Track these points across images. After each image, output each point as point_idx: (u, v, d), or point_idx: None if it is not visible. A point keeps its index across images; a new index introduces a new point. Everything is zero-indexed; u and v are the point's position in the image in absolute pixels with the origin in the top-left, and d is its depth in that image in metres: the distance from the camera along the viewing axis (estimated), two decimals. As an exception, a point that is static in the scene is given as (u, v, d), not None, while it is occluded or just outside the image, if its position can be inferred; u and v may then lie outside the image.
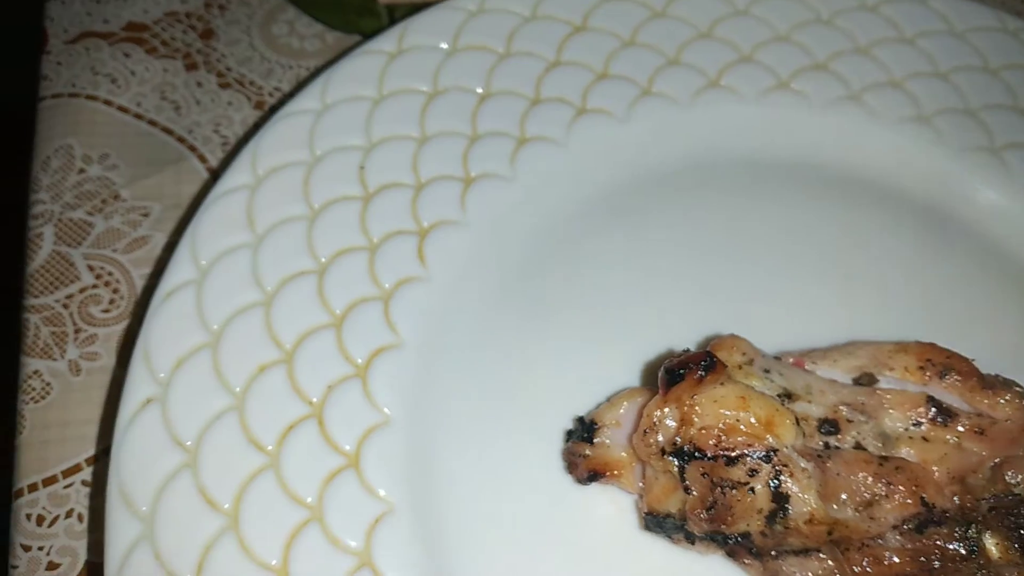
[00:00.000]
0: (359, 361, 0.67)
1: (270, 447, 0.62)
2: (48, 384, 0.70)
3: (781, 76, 0.86)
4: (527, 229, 0.76)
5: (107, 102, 0.84)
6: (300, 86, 0.80)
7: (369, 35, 0.87)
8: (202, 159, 0.82)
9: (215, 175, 0.80)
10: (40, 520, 0.65)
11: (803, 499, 0.55)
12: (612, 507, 0.65)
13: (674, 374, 0.57)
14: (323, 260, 0.70)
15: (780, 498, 0.55)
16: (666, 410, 0.57)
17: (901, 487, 0.56)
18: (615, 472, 0.63)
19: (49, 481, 0.67)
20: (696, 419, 0.56)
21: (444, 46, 0.81)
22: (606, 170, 0.80)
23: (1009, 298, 0.77)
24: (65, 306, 0.74)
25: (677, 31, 0.86)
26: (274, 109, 0.85)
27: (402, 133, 0.77)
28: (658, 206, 0.79)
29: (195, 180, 0.81)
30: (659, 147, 0.82)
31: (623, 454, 0.62)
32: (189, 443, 0.61)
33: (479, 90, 0.80)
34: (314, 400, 0.64)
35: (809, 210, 0.80)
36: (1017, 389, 0.60)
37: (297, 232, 0.71)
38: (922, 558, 0.55)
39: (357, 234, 0.72)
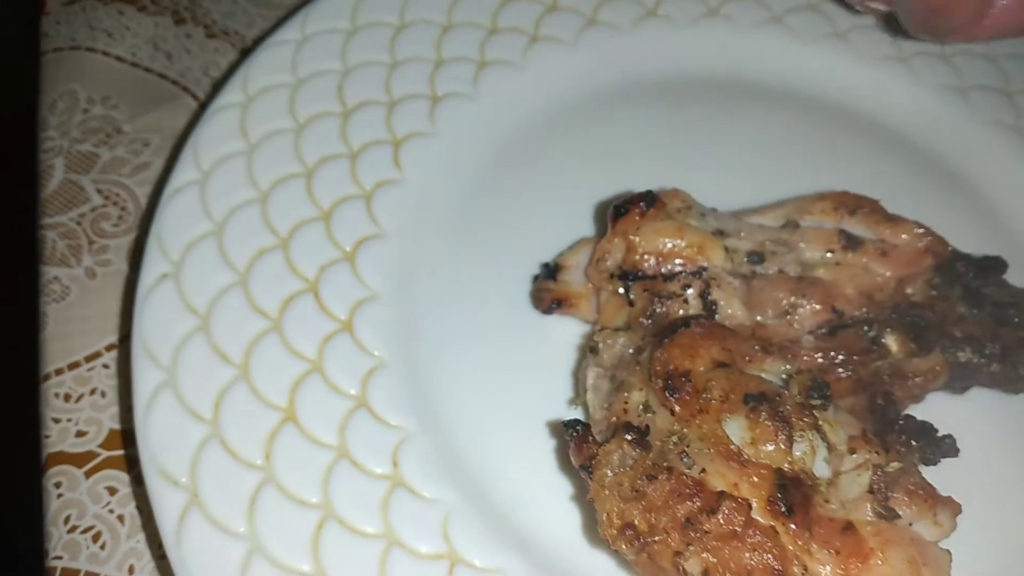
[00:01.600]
0: (347, 247, 0.75)
1: (273, 314, 0.70)
2: (67, 287, 0.78)
3: (711, 4, 0.96)
4: (490, 137, 0.86)
5: (105, 53, 0.93)
6: (281, 22, 0.89)
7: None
8: (195, 97, 0.91)
9: (209, 101, 0.89)
10: (67, 397, 0.73)
11: (729, 306, 0.65)
12: (573, 329, 0.75)
13: (619, 209, 0.67)
14: (310, 165, 0.79)
15: (709, 305, 0.65)
16: (615, 241, 0.67)
17: (815, 298, 0.66)
18: (574, 302, 0.73)
19: (74, 365, 0.75)
20: (639, 246, 0.66)
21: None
22: (558, 88, 0.90)
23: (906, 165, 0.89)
24: (78, 223, 0.82)
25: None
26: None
27: (375, 59, 0.86)
28: (605, 116, 0.89)
29: (190, 114, 0.90)
30: (604, 68, 0.92)
31: (582, 288, 0.72)
32: (201, 311, 0.69)
33: (442, 21, 0.89)
34: (310, 278, 0.73)
35: (735, 111, 0.90)
36: (916, 222, 0.70)
37: (286, 142, 0.79)
38: (832, 354, 0.65)
39: (339, 143, 0.81)
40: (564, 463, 0.68)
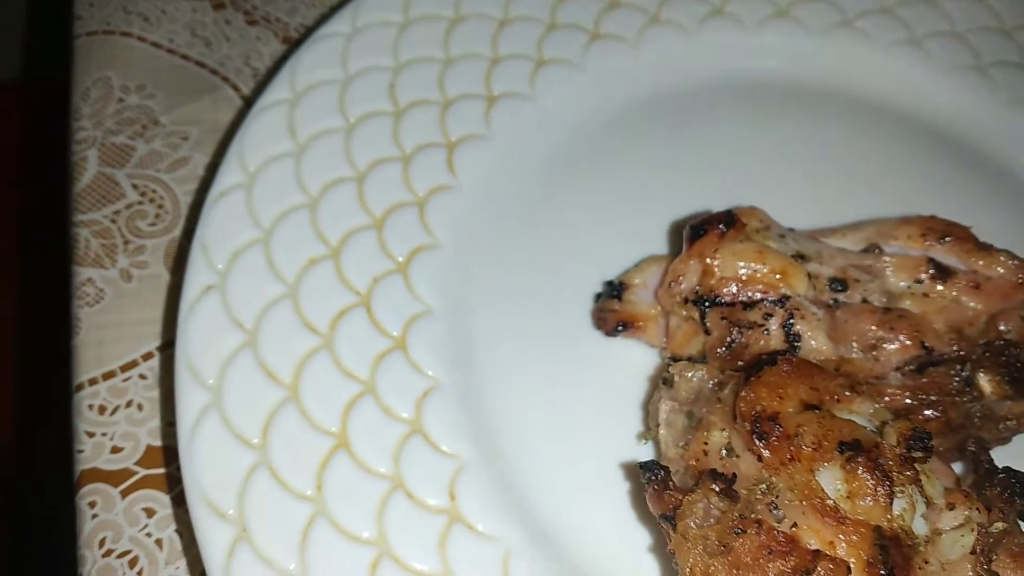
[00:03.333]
0: (400, 258, 0.71)
1: (323, 330, 0.66)
2: (101, 290, 0.74)
3: (780, 4, 0.91)
4: (548, 141, 0.81)
5: (141, 38, 0.88)
6: (330, 13, 0.84)
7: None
8: (235, 88, 0.87)
9: (251, 100, 0.84)
10: (102, 410, 0.69)
11: (813, 339, 0.61)
12: (637, 354, 0.71)
13: (697, 230, 0.63)
14: (361, 168, 0.74)
15: (792, 337, 0.62)
16: (691, 263, 0.63)
17: (903, 332, 0.62)
18: (641, 324, 0.69)
19: (108, 376, 0.70)
20: (717, 270, 0.62)
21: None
22: (619, 89, 0.85)
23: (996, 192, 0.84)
24: (113, 221, 0.77)
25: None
26: (303, 41, 0.88)
27: (428, 55, 0.81)
28: (670, 120, 0.84)
29: (230, 107, 0.85)
30: (667, 69, 0.87)
31: (649, 310, 0.68)
32: (248, 325, 0.65)
33: (498, 16, 0.85)
34: (361, 291, 0.69)
35: (807, 120, 0.86)
36: (1009, 252, 0.66)
37: (336, 143, 0.75)
38: (921, 394, 0.61)
39: (391, 146, 0.76)
40: (639, 507, 0.64)
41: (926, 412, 0.63)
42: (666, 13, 0.89)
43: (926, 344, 0.64)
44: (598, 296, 0.72)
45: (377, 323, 0.68)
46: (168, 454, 0.67)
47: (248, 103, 0.85)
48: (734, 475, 0.54)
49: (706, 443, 0.57)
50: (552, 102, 0.82)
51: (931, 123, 0.87)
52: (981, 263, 0.67)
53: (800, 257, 0.66)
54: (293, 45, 0.90)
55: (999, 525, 0.54)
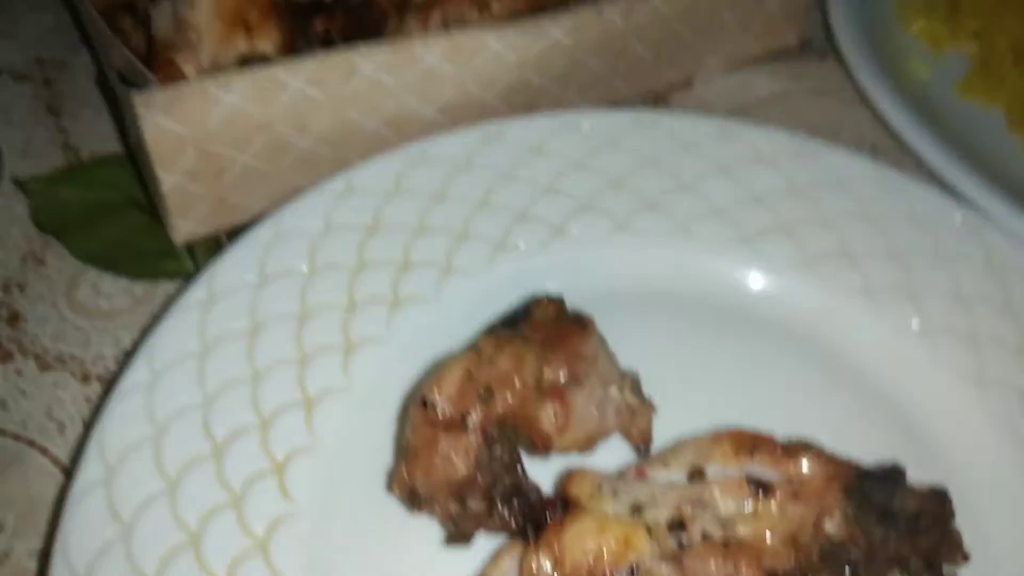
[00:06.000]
0: (259, 534, 0.74)
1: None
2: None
3: (618, 218, 0.98)
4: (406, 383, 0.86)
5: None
6: (126, 355, 0.84)
7: (174, 277, 0.94)
8: (43, 451, 0.82)
9: (68, 464, 0.81)
10: None
11: None
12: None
13: (538, 525, 0.68)
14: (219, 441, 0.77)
15: None
16: (540, 556, 0.67)
17: (746, 563, 0.67)
18: None
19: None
20: (567, 558, 0.67)
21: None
22: (474, 322, 0.89)
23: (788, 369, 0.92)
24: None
25: (523, 189, 0.99)
26: (102, 379, 0.86)
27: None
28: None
29: (44, 475, 0.80)
30: (517, 292, 0.91)
31: None
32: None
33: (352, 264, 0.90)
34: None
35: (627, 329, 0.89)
36: (811, 448, 0.73)
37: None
38: None
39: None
40: None
41: (779, 636, 0.67)
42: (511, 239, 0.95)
43: (767, 568, 0.69)
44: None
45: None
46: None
47: (65, 469, 0.80)
48: None
49: None
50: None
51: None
52: (792, 466, 0.72)
53: (637, 509, 0.70)
54: (98, 383, 0.86)
55: None
